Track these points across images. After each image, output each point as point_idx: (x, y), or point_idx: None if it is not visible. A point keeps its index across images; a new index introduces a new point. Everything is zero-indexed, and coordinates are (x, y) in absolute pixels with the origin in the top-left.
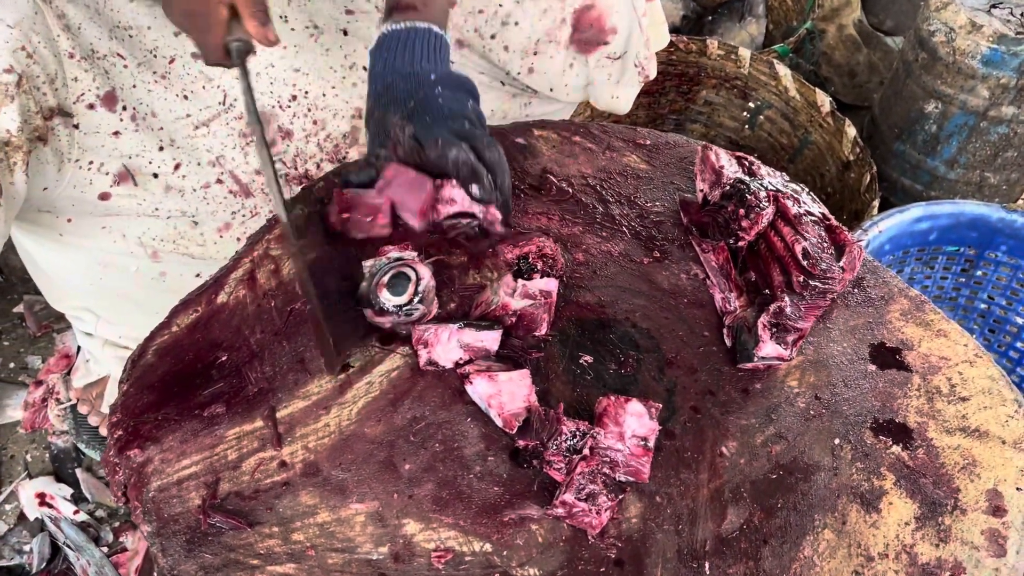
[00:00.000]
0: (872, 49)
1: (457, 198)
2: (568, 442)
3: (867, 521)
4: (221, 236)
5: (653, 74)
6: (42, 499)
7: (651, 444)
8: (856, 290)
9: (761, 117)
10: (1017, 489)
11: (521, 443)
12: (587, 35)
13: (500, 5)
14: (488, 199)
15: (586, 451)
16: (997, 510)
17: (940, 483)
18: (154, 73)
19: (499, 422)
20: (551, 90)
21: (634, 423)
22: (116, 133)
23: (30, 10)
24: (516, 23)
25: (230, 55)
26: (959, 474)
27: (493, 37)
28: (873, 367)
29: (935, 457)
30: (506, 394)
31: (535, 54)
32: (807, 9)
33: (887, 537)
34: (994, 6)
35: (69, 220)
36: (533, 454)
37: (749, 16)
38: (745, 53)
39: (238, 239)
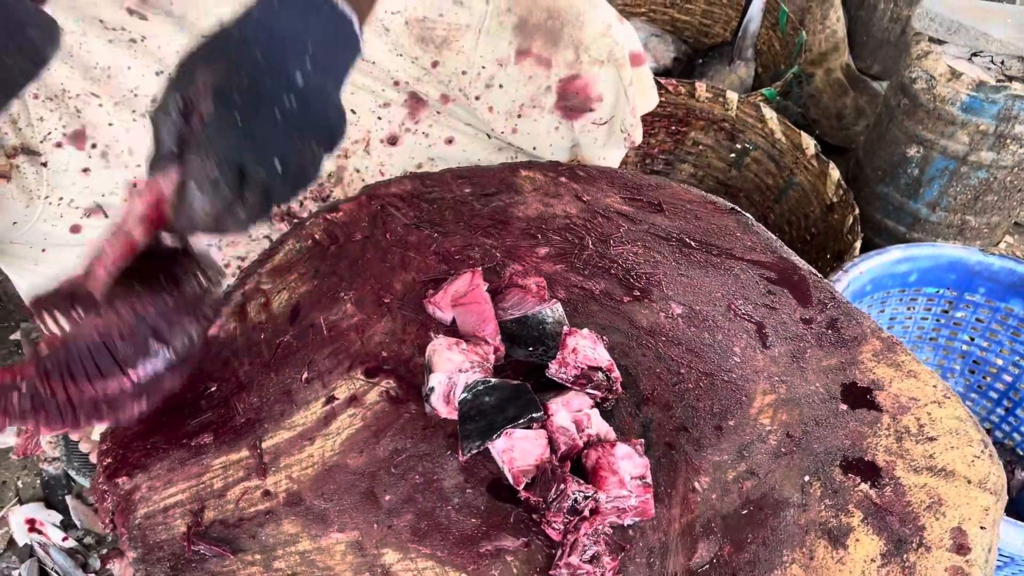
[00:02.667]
0: (859, 93)
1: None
2: (570, 503)
3: (834, 557)
4: None
5: (638, 140)
6: (32, 525)
7: (649, 480)
8: (830, 331)
9: (748, 158)
10: (981, 528)
11: (523, 495)
12: (573, 103)
13: (483, 68)
14: None
15: (586, 512)
16: (961, 548)
17: (906, 521)
18: (133, 112)
19: (508, 477)
20: (534, 149)
21: (628, 465)
22: (85, 170)
23: None
24: (500, 86)
25: None
26: (925, 512)
27: (478, 98)
28: (844, 406)
29: (902, 495)
30: (519, 451)
31: (519, 116)
32: (795, 53)
33: (853, 573)
34: (975, 54)
35: (43, 251)
36: (534, 508)
37: (739, 59)
38: (733, 96)
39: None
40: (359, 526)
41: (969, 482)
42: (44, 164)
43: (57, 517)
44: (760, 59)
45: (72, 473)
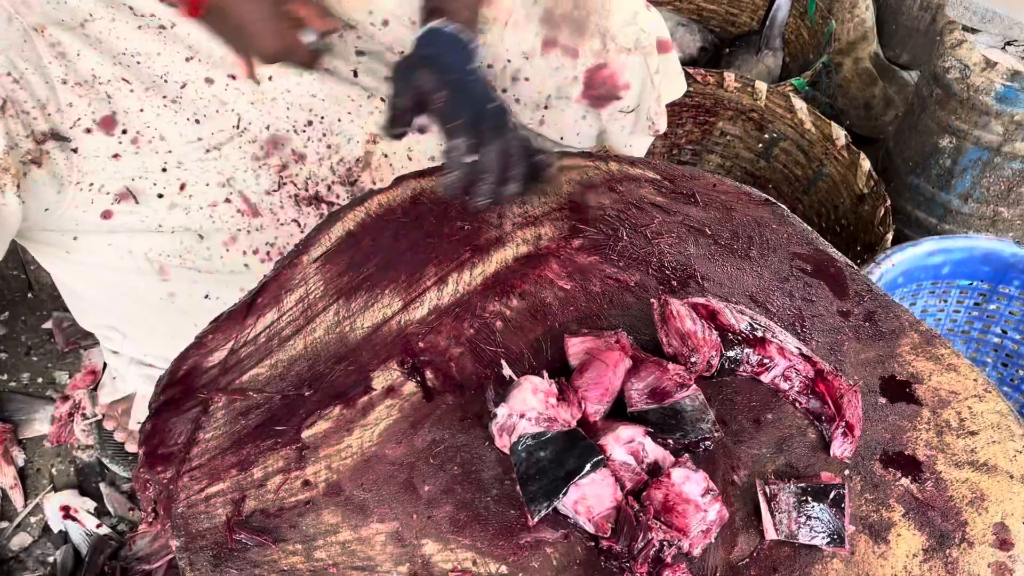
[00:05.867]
0: (888, 82)
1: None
2: (655, 551)
3: (875, 552)
4: (228, 250)
5: (663, 128)
6: (66, 512)
7: (714, 487)
8: (867, 324)
9: (776, 149)
10: None
11: (605, 544)
12: (600, 92)
13: (508, 61)
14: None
15: (668, 559)
16: (1004, 543)
17: (948, 516)
18: (164, 97)
19: (589, 528)
20: (562, 139)
21: (692, 487)
22: (115, 156)
23: (18, 38)
24: (526, 79)
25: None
26: (967, 507)
27: (504, 91)
28: (883, 400)
29: (943, 490)
30: (592, 497)
31: (546, 108)
32: (824, 43)
33: (895, 568)
34: (1008, 43)
35: (75, 239)
36: (614, 555)
37: (766, 49)
38: (762, 86)
39: (244, 252)
40: (399, 517)
41: (1011, 477)
42: (74, 150)
43: (91, 504)
44: (788, 48)
45: (106, 461)
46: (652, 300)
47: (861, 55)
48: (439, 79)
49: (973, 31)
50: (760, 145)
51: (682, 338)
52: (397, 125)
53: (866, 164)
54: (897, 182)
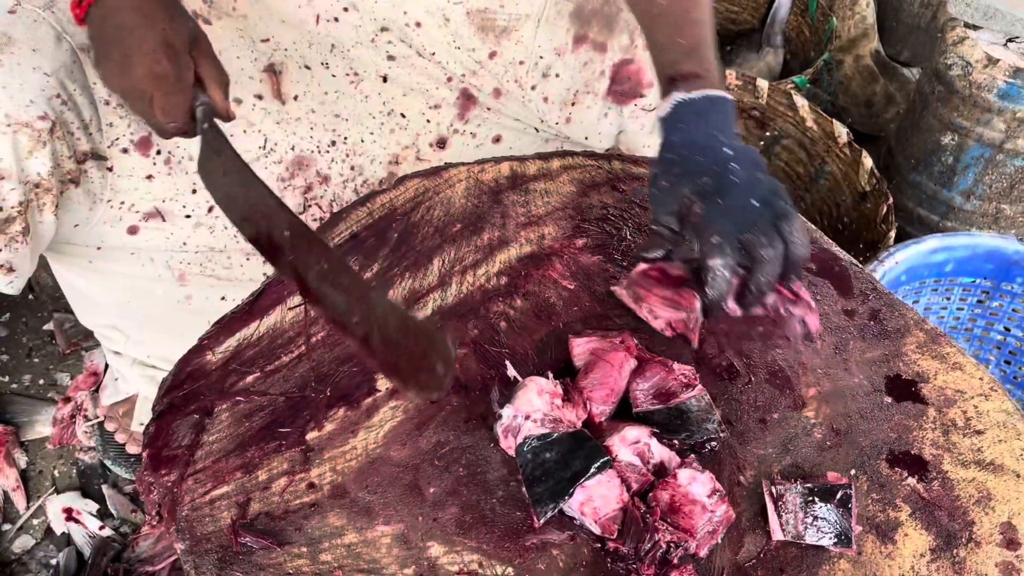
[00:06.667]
0: (889, 79)
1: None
2: (662, 552)
3: (883, 552)
4: (248, 260)
5: None
6: (69, 514)
7: (720, 488)
8: (872, 322)
9: (778, 147)
10: None
11: (612, 545)
12: (624, 87)
13: (541, 57)
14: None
15: (675, 560)
16: (1011, 543)
17: (955, 515)
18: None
19: (596, 529)
20: (586, 138)
21: (699, 488)
22: (149, 176)
23: (68, 58)
24: (557, 75)
25: (194, 120)
26: (974, 507)
27: (533, 88)
28: (889, 399)
29: (950, 490)
30: (598, 499)
31: (573, 104)
32: (825, 40)
33: (902, 568)
34: (1010, 40)
35: (98, 248)
36: (620, 557)
37: (767, 47)
38: (763, 84)
39: (264, 262)
40: (404, 519)
41: (1018, 476)
42: (110, 169)
43: (93, 506)
44: (789, 46)
45: (108, 463)
46: (614, 288)
47: (862, 52)
48: (695, 186)
49: (975, 28)
50: (762, 143)
51: (665, 302)
52: (652, 248)
53: (868, 162)
54: (899, 180)
